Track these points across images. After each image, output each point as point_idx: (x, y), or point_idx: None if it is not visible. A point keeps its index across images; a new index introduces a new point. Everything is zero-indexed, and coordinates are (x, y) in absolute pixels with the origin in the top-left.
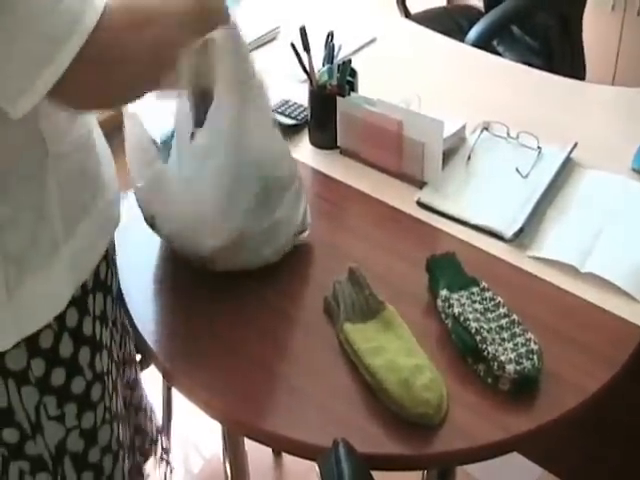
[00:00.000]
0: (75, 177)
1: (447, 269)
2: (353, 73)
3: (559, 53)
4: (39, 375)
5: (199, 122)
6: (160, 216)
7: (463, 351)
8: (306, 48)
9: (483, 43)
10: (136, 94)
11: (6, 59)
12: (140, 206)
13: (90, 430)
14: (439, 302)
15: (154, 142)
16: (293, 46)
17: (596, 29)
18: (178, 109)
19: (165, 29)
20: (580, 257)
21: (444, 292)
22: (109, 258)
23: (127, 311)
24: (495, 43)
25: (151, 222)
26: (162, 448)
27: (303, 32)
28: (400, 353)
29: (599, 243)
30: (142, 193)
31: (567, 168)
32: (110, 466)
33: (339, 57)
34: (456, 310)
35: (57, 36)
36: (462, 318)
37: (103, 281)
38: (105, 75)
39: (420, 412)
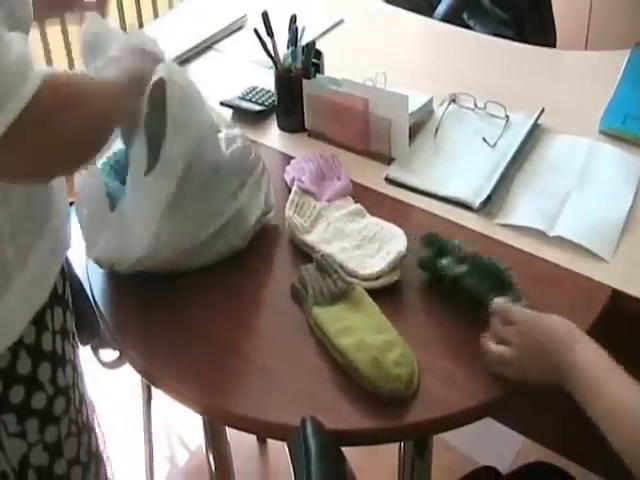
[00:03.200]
0: (25, 205)
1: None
2: (319, 55)
3: (529, 23)
4: None
5: (151, 163)
6: (120, 261)
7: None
8: (269, 33)
9: (452, 17)
10: (72, 165)
11: None
12: (97, 259)
13: (55, 443)
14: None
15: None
16: (256, 32)
17: None
18: (132, 152)
19: (102, 106)
20: (548, 221)
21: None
22: (64, 273)
23: (100, 312)
24: (466, 17)
25: (110, 268)
26: None
27: (265, 17)
28: (369, 331)
29: (567, 206)
30: (99, 249)
31: (535, 134)
32: (79, 478)
33: (305, 40)
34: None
35: None
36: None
37: (60, 296)
38: (40, 146)
39: (392, 388)
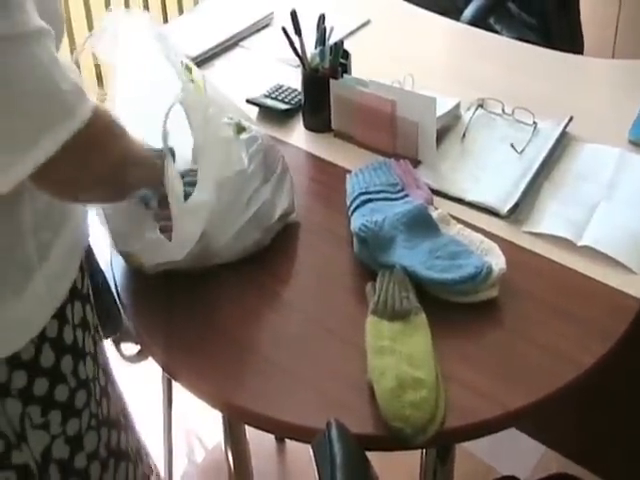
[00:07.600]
0: (48, 202)
1: None
2: (346, 55)
3: (556, 28)
4: (21, 387)
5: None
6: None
7: None
8: (297, 31)
9: (479, 21)
10: (102, 193)
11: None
12: (126, 254)
13: (75, 436)
14: None
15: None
16: (284, 30)
17: (594, 1)
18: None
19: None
20: (576, 231)
21: None
22: (83, 267)
23: (123, 305)
24: (492, 21)
25: (140, 267)
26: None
27: (294, 15)
28: (406, 361)
29: (595, 216)
30: (131, 245)
31: (563, 142)
32: (97, 474)
33: (332, 40)
34: None
35: (47, 122)
36: None
37: (80, 290)
38: (81, 169)
39: (396, 426)
